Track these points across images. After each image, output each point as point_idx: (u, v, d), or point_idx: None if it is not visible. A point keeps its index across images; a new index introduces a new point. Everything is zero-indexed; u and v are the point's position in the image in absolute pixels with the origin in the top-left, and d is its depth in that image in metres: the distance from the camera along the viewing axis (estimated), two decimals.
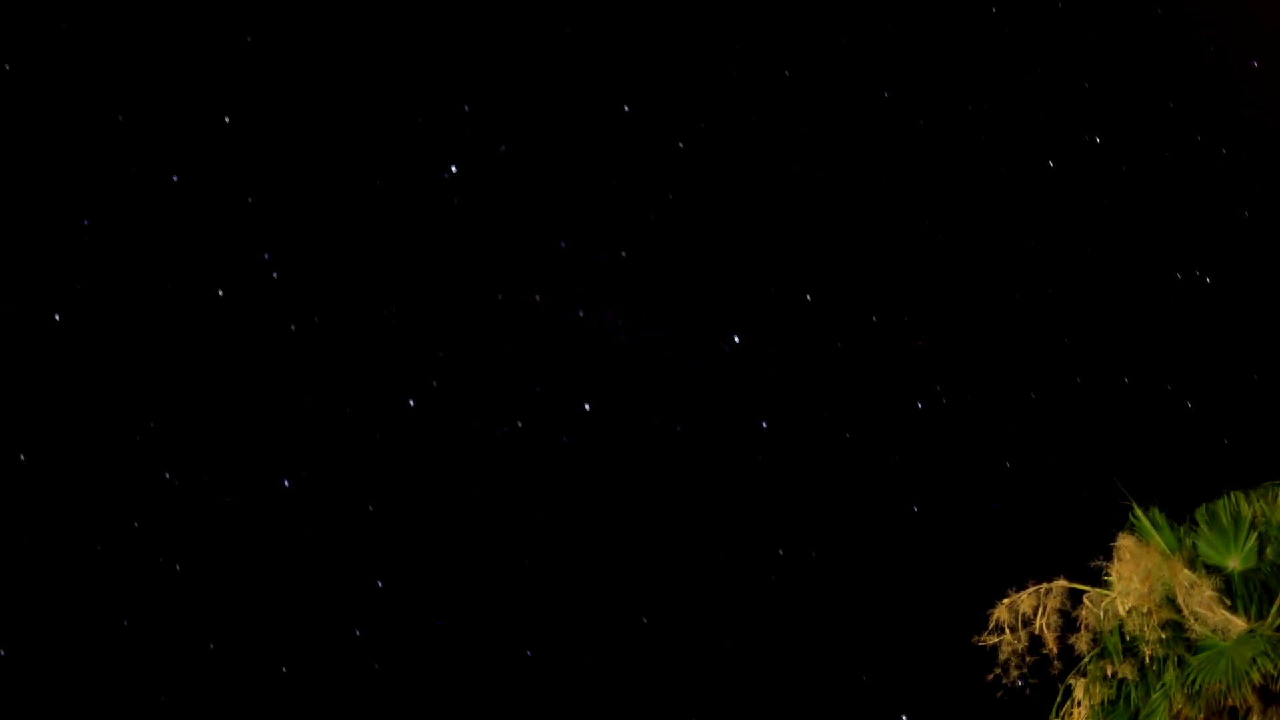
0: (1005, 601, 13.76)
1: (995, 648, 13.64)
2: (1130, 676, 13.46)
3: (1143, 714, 13.19)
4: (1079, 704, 13.58)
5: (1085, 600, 13.65)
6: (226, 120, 21.60)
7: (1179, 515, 14.03)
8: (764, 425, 23.25)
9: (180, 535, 21.23)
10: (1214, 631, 13.14)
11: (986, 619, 13.81)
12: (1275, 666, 12.59)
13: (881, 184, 23.84)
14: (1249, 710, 12.86)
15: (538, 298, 22.63)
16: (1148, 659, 13.33)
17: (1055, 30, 24.37)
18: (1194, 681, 12.88)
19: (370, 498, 21.95)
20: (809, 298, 23.56)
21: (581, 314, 22.78)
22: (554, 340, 22.68)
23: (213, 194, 21.82)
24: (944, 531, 22.36)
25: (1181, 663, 13.15)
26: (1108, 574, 13.60)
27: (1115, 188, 23.86)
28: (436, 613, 21.96)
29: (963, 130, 24.08)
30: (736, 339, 23.45)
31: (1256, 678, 12.57)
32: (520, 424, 22.43)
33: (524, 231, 22.88)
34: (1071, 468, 22.00)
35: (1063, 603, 13.71)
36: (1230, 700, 12.80)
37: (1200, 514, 13.94)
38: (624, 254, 22.82)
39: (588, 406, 22.55)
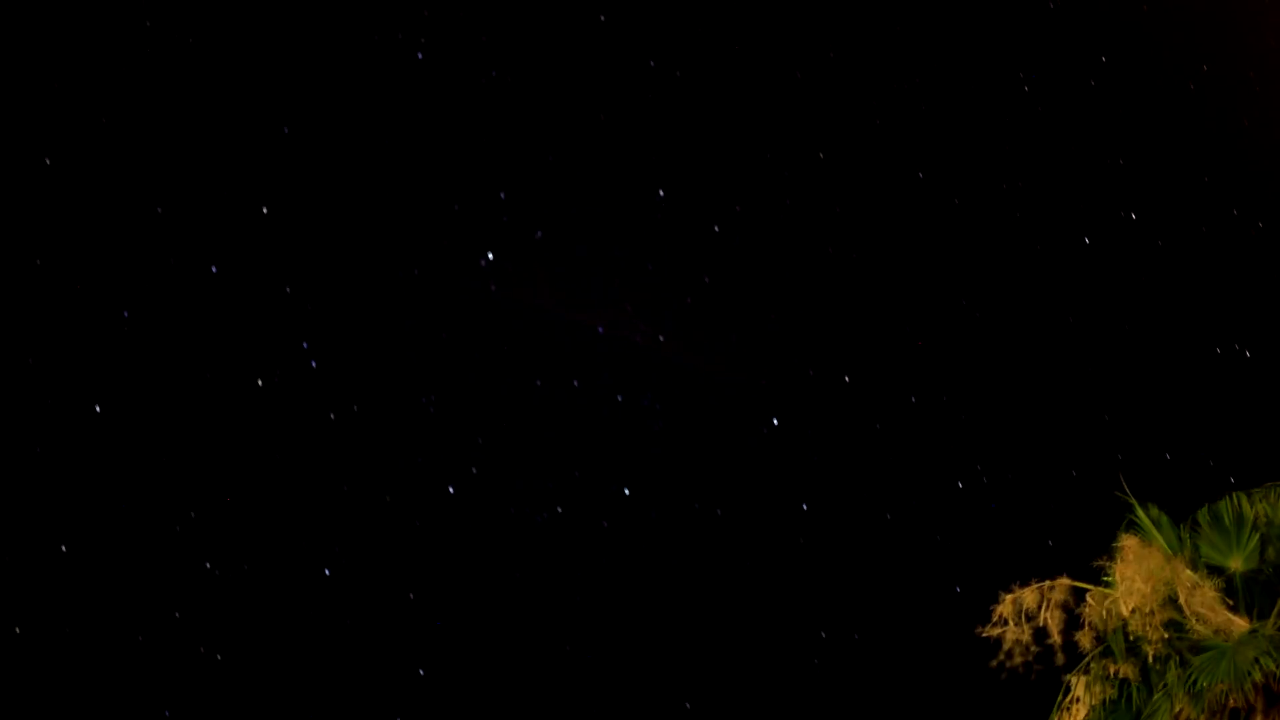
0: (1009, 597, 13.77)
1: (998, 640, 13.65)
2: (1132, 676, 13.46)
3: (1144, 714, 13.19)
4: (1079, 701, 13.58)
5: (1088, 599, 13.65)
6: (264, 210, 21.68)
7: (1181, 515, 14.03)
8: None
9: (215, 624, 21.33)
10: (1216, 632, 13.14)
11: (990, 615, 13.83)
12: (1277, 667, 12.58)
13: (882, 183, 23.86)
14: (1251, 710, 12.85)
15: (575, 383, 22.77)
16: (1150, 659, 13.33)
17: (1055, 30, 24.40)
18: (1195, 682, 12.86)
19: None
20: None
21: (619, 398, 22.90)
22: (589, 422, 22.86)
23: (251, 285, 21.88)
24: (947, 531, 22.39)
25: (1183, 663, 13.14)
26: (1110, 574, 13.60)
27: (1117, 188, 23.89)
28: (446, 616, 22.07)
29: (962, 130, 24.10)
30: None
31: (1259, 678, 12.56)
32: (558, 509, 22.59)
33: (560, 321, 22.94)
34: (1074, 467, 22.03)
35: (1066, 600, 13.71)
36: (1232, 701, 12.79)
37: (1203, 514, 13.93)
38: (661, 339, 22.99)
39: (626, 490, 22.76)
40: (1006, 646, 13.51)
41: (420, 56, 22.77)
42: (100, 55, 21.37)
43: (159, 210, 21.64)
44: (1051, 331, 23.52)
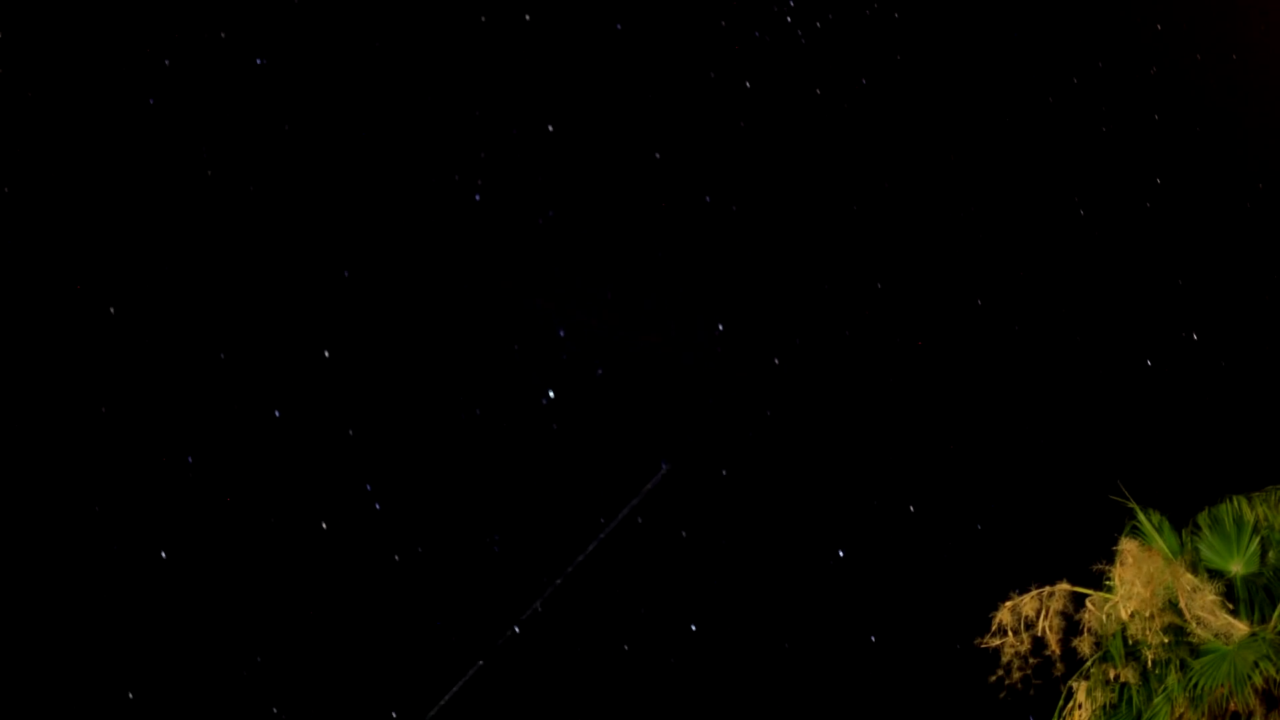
0: (1007, 604, 13.76)
1: (998, 650, 13.64)
2: (1132, 680, 13.46)
3: (1145, 717, 13.19)
4: (1080, 707, 13.57)
5: (1088, 604, 13.65)
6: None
7: (1181, 519, 14.02)
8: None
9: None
10: (1216, 636, 13.14)
11: (989, 621, 13.82)
12: (1278, 670, 12.58)
13: (882, 183, 23.86)
14: (1251, 714, 12.85)
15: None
16: (1150, 663, 13.33)
17: (1054, 30, 24.39)
18: (1196, 685, 12.87)
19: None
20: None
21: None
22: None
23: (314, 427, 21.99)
24: (946, 535, 22.37)
25: (1184, 666, 13.14)
26: (1110, 578, 13.60)
27: (1119, 189, 23.88)
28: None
29: (962, 130, 24.09)
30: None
31: (1259, 681, 12.56)
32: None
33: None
34: (1074, 471, 22.00)
35: (1065, 606, 13.71)
36: (1233, 704, 12.79)
37: (1203, 518, 13.93)
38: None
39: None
40: (1006, 659, 13.52)
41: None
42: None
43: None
44: (1051, 333, 23.52)
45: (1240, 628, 13.15)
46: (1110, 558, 13.67)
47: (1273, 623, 13.20)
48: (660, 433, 23.14)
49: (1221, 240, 23.47)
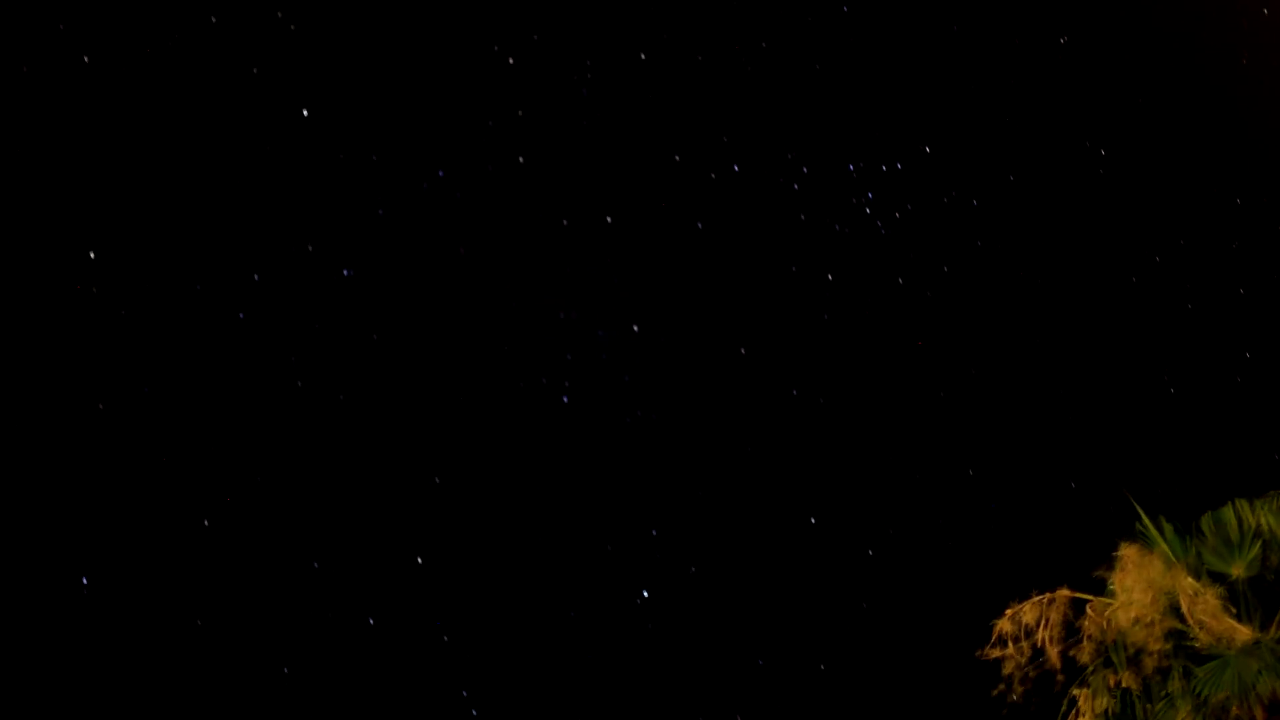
0: (1008, 612, 13.75)
1: (999, 661, 13.63)
2: (1134, 686, 13.44)
3: None
4: (1082, 713, 13.55)
5: (1088, 610, 13.63)
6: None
7: (1184, 523, 13.99)
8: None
9: None
10: (1218, 640, 13.12)
11: (989, 630, 13.80)
12: None
13: (883, 182, 23.85)
14: None
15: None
16: (1151, 669, 13.30)
17: (1053, 29, 24.37)
18: (1199, 692, 12.85)
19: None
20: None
21: None
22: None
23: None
24: (946, 540, 22.34)
25: (1186, 673, 13.12)
26: (1111, 584, 13.58)
27: (1123, 192, 23.85)
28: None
29: (962, 129, 24.08)
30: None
31: (1263, 689, 12.53)
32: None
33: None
34: (1076, 476, 21.97)
35: (1066, 613, 13.69)
36: (1236, 711, 12.76)
37: (1205, 522, 13.90)
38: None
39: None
40: (1006, 672, 13.50)
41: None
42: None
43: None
44: (1054, 337, 23.50)
45: (1243, 632, 13.14)
46: (1112, 563, 13.65)
47: (1275, 628, 13.19)
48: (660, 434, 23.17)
49: (1222, 242, 23.46)
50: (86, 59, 21.50)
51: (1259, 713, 12.70)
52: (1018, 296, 23.71)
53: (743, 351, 23.43)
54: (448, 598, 22.23)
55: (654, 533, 22.71)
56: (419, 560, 22.23)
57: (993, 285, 23.71)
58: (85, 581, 21.15)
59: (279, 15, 21.72)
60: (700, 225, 23.06)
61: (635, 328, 22.81)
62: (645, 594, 22.53)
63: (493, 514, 22.53)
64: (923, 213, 23.94)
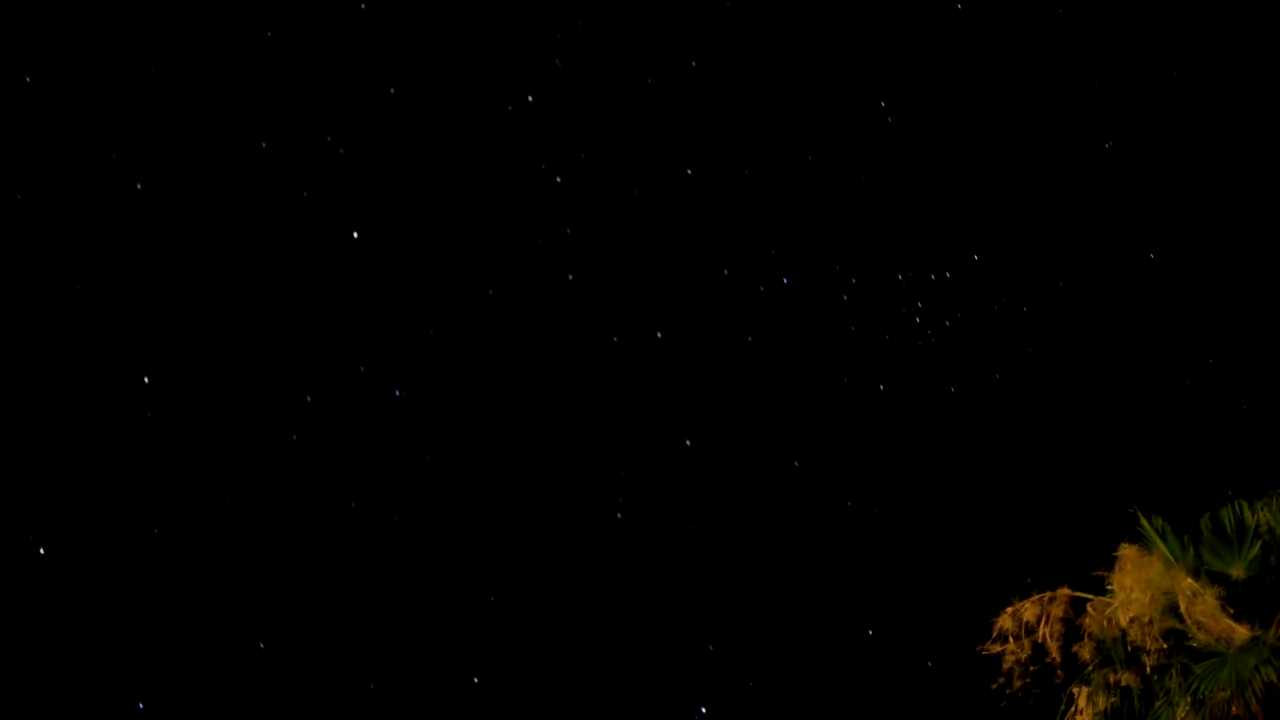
0: (1009, 610, 13.78)
1: (999, 656, 13.65)
2: (1133, 685, 13.47)
3: None
4: (1081, 711, 13.58)
5: (1088, 609, 13.65)
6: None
7: (1183, 523, 14.02)
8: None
9: None
10: (1217, 640, 13.15)
11: (990, 627, 13.83)
12: (1278, 675, 12.59)
13: (883, 183, 23.85)
14: (1253, 718, 12.85)
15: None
16: (1150, 668, 13.34)
17: (1053, 29, 24.37)
18: (1197, 690, 12.88)
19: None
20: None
21: None
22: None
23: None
24: (946, 539, 22.35)
25: (1185, 671, 13.15)
26: (1111, 583, 13.60)
27: (1123, 193, 23.85)
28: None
29: (962, 129, 24.09)
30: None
31: (1259, 686, 12.56)
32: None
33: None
34: (1075, 476, 21.97)
35: (1066, 611, 13.72)
36: (1234, 708, 12.79)
37: (1204, 522, 13.93)
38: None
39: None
40: (1006, 666, 13.53)
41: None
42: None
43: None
44: (1054, 337, 23.51)
45: (1241, 632, 13.17)
46: (1111, 563, 13.68)
47: (1274, 627, 13.22)
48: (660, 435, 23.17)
49: (1222, 243, 23.46)
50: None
51: (1256, 709, 12.73)
52: (1019, 297, 23.72)
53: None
54: (448, 598, 22.26)
55: (654, 533, 22.75)
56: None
57: (994, 286, 23.73)
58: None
59: (328, 140, 21.83)
60: (750, 339, 23.29)
61: (688, 442, 22.98)
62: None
63: (493, 514, 22.57)
64: (924, 214, 23.97)
